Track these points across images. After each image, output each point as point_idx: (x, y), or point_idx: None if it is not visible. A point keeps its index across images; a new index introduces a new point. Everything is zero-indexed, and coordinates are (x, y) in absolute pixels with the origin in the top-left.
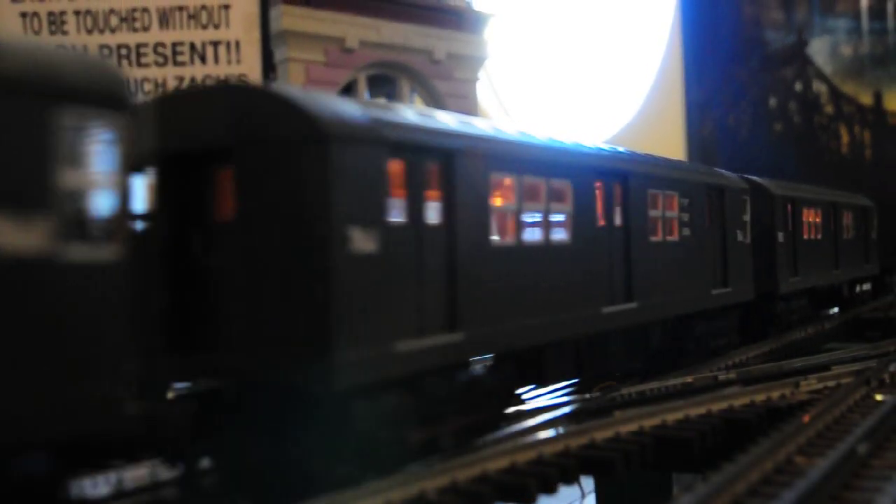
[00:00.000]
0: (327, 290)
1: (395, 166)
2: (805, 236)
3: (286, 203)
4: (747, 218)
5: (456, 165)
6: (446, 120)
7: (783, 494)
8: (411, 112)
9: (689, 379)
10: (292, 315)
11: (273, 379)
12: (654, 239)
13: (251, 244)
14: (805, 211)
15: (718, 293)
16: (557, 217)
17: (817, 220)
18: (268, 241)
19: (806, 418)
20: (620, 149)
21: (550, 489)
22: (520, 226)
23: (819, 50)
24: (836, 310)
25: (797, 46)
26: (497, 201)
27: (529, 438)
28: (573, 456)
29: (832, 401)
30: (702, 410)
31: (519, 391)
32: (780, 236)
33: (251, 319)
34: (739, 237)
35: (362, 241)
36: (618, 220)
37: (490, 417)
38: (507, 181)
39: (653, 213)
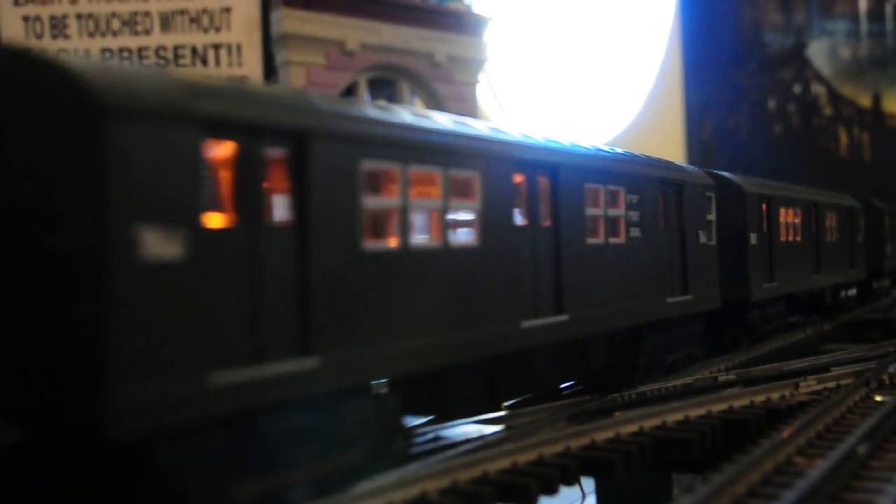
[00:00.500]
0: (101, 309)
1: (217, 150)
2: (783, 238)
3: (48, 198)
4: (712, 217)
5: (313, 152)
6: (300, 95)
7: (783, 495)
8: (254, 85)
9: (689, 380)
10: (60, 343)
11: (42, 425)
12: (592, 241)
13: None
14: (783, 211)
15: (676, 301)
16: (461, 215)
17: (797, 220)
18: (25, 247)
19: (787, 433)
20: (553, 137)
21: (551, 490)
22: (404, 225)
23: (818, 52)
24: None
25: (796, 48)
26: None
27: (530, 439)
28: (574, 457)
29: (832, 402)
30: (702, 411)
31: (411, 425)
32: (753, 238)
33: (12, 350)
34: (702, 238)
35: (160, 246)
36: (545, 220)
37: (367, 459)
38: (388, 171)
39: (591, 211)
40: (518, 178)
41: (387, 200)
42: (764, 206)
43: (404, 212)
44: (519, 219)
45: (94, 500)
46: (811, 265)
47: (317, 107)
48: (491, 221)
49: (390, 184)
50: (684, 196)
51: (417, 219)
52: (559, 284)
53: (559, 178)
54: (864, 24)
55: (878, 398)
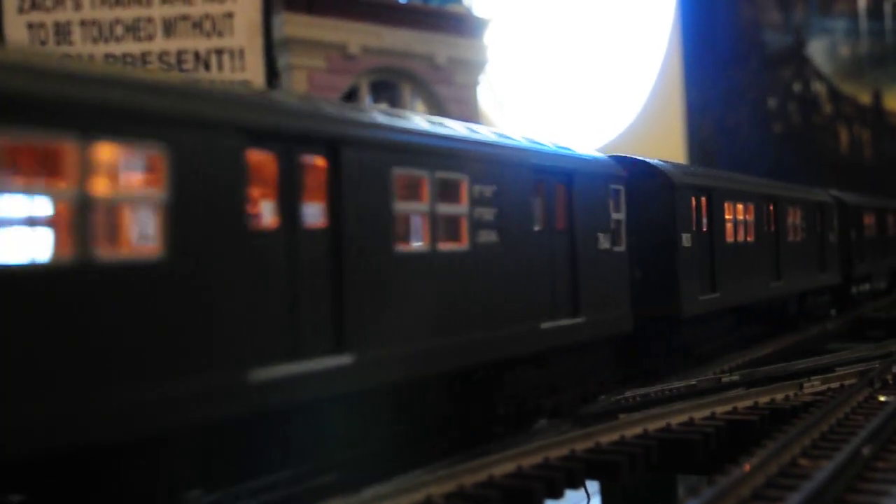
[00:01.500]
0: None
1: None
2: (729, 239)
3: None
4: (621, 216)
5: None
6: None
7: (788, 497)
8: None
9: (692, 381)
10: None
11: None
12: (401, 250)
13: None
14: (728, 206)
15: (558, 327)
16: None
17: (748, 217)
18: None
19: (747, 467)
20: (327, 103)
21: (557, 493)
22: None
23: (817, 50)
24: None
25: (795, 47)
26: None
27: (535, 443)
28: (579, 460)
29: (836, 402)
30: (706, 413)
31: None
32: (686, 239)
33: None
34: (603, 244)
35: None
36: (311, 220)
37: None
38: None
39: (403, 206)
40: (254, 157)
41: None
42: (702, 200)
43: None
44: (261, 219)
45: None
46: (769, 270)
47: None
48: (186, 224)
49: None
50: (575, 189)
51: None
52: (340, 315)
53: (343, 160)
54: (863, 22)
55: (882, 398)
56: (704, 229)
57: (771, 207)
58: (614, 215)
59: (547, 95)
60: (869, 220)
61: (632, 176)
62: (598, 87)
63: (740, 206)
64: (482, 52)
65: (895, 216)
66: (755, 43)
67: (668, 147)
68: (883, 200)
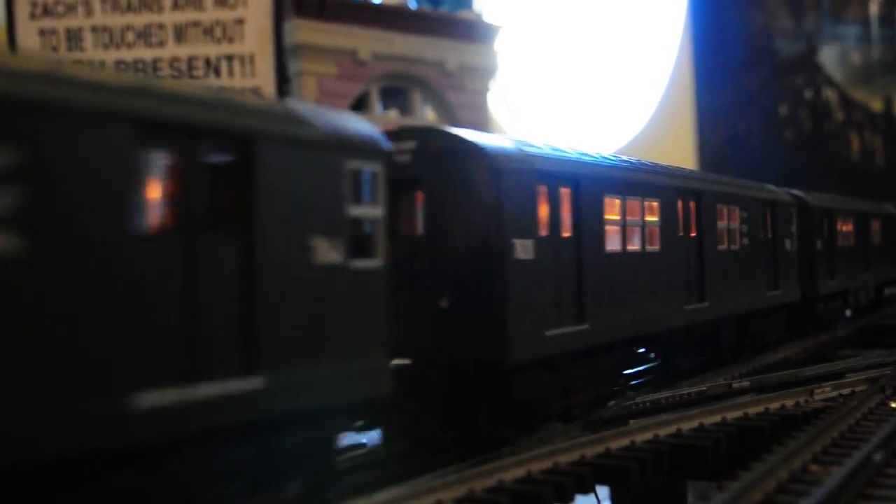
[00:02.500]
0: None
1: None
2: (610, 248)
3: None
4: (376, 212)
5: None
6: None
7: (800, 503)
8: None
9: (703, 387)
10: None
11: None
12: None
13: None
14: (609, 202)
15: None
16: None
17: (638, 217)
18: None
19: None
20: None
21: (566, 498)
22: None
23: (829, 57)
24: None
25: (807, 54)
26: None
27: (545, 448)
28: (589, 465)
29: (847, 409)
30: (716, 419)
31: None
32: (521, 249)
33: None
34: (325, 255)
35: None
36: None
37: None
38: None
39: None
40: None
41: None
42: (559, 191)
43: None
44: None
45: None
46: (684, 289)
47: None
48: None
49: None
50: (264, 175)
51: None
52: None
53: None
54: (875, 29)
55: (893, 405)
56: (566, 234)
57: (686, 205)
58: (356, 210)
59: (557, 101)
60: (845, 226)
61: (435, 156)
62: (609, 94)
63: (630, 204)
64: (493, 58)
65: (884, 222)
66: (766, 50)
67: (678, 153)
68: (870, 204)
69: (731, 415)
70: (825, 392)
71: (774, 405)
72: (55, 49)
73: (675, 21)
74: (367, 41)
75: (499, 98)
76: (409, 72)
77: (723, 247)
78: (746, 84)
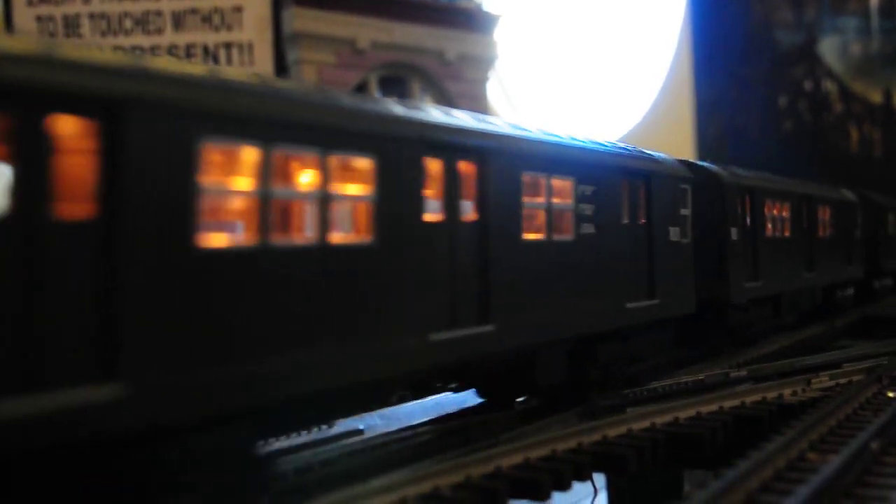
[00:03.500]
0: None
1: None
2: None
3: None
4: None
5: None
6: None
7: (797, 490)
8: None
9: (700, 376)
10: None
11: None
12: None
13: None
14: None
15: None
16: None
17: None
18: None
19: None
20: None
21: (564, 486)
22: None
23: (829, 49)
24: None
25: (807, 45)
26: None
27: (542, 435)
28: (586, 452)
29: (844, 398)
30: (714, 407)
31: None
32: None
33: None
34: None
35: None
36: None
37: None
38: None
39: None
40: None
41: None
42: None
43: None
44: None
45: None
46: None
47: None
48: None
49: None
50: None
51: None
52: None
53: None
54: (875, 20)
55: (890, 394)
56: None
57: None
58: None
59: (556, 92)
60: (779, 211)
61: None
62: (608, 84)
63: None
64: (492, 47)
65: (836, 209)
66: (766, 41)
67: (677, 144)
68: (818, 186)
69: (729, 404)
70: (822, 382)
71: (772, 394)
72: (52, 35)
73: (675, 11)
74: (366, 30)
75: (498, 88)
76: (408, 61)
77: (530, 237)
78: (746, 75)
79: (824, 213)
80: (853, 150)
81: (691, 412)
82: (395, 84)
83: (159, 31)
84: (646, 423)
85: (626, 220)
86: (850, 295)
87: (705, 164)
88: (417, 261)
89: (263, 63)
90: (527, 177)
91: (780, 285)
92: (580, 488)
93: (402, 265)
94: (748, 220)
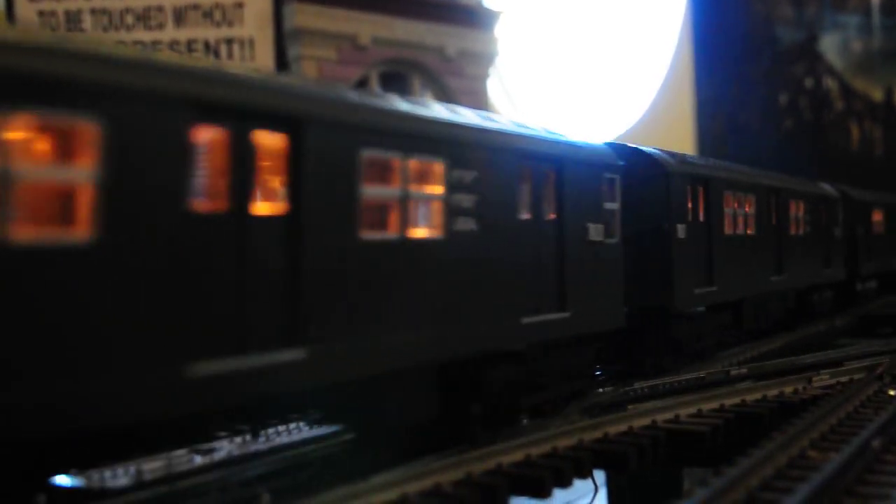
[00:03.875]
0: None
1: None
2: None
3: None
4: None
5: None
6: None
7: (798, 488)
8: None
9: (701, 374)
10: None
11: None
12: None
13: None
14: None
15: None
16: None
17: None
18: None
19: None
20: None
21: (565, 483)
22: None
23: (830, 46)
24: None
25: (807, 43)
26: None
27: (543, 432)
28: (587, 449)
29: (845, 396)
30: (714, 405)
31: None
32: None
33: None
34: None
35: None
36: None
37: None
38: None
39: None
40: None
41: None
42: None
43: None
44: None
45: None
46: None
47: None
48: None
49: None
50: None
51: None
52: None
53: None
54: (876, 18)
55: (891, 392)
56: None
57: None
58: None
59: (557, 89)
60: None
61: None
62: (609, 82)
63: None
64: (493, 44)
65: (812, 205)
66: (767, 38)
67: (677, 141)
68: (787, 179)
69: (729, 401)
70: (823, 380)
71: (772, 392)
72: (54, 30)
73: (676, 8)
74: (367, 26)
75: (498, 84)
76: (409, 57)
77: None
78: (746, 72)
79: (798, 209)
80: (854, 148)
81: (692, 410)
82: (396, 80)
83: (161, 26)
84: (647, 421)
85: (525, 216)
86: (828, 298)
87: (647, 148)
88: None
89: (264, 59)
90: (368, 156)
91: (740, 290)
92: (579, 485)
93: None
94: (701, 216)
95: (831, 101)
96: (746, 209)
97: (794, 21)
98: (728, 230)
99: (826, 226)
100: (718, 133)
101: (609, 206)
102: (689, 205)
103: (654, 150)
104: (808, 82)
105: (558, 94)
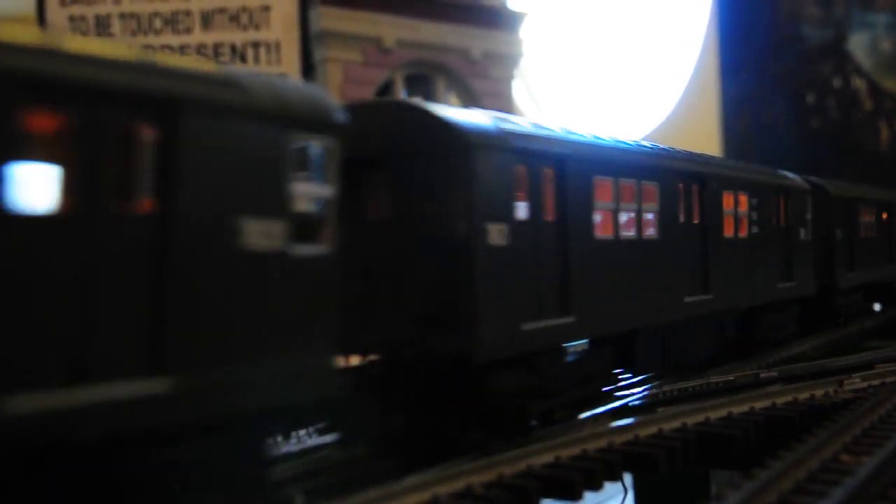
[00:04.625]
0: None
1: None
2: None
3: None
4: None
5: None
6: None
7: (832, 492)
8: None
9: (730, 377)
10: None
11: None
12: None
13: None
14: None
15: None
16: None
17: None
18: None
19: None
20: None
21: (595, 485)
22: None
23: (858, 45)
24: None
25: (835, 42)
26: None
27: (573, 434)
28: (617, 452)
29: (877, 399)
30: (745, 408)
31: None
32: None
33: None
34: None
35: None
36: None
37: None
38: None
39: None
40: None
41: None
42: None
43: None
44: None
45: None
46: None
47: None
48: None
49: None
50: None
51: None
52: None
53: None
54: None
55: None
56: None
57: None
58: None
59: (582, 89)
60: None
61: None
62: (634, 81)
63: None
64: (517, 45)
65: (762, 199)
66: (793, 37)
67: (703, 141)
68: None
69: (759, 404)
70: (854, 383)
71: (803, 395)
72: (84, 35)
73: (701, 7)
74: (392, 28)
75: (523, 86)
76: (434, 59)
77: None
78: (773, 71)
79: (738, 204)
80: (883, 148)
81: (722, 412)
82: (421, 82)
83: (188, 30)
84: (677, 423)
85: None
86: (789, 319)
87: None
88: None
89: (290, 62)
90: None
91: (624, 319)
92: (607, 487)
93: None
94: (549, 212)
95: (860, 101)
96: (645, 203)
97: (821, 20)
98: (601, 232)
99: (787, 227)
100: (744, 132)
101: (311, 198)
102: (524, 196)
103: (448, 116)
104: (836, 82)
105: (584, 95)
